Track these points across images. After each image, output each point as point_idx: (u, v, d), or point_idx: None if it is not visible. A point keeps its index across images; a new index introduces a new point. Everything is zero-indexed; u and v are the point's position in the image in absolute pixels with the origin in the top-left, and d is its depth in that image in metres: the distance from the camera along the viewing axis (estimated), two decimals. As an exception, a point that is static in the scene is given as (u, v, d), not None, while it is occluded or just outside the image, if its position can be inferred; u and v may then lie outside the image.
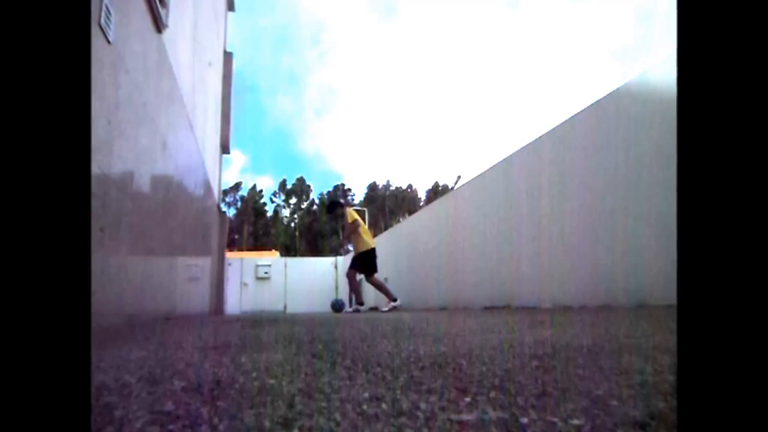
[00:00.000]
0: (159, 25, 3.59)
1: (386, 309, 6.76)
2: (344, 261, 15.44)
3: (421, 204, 56.04)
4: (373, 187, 64.19)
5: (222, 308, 10.84)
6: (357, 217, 7.19)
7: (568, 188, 4.42)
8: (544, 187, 4.79)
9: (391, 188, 63.45)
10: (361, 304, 7.21)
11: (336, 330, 2.31)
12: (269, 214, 60.86)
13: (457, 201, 6.99)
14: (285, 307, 14.84)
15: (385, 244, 9.60)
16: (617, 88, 3.90)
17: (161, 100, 3.80)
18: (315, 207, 60.02)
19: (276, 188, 63.14)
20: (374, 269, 7.13)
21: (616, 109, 3.88)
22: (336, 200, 7.89)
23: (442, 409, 0.71)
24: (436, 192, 55.90)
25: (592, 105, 4.17)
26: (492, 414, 0.67)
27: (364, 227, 7.24)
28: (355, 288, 7.35)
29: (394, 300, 6.90)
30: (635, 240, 3.57)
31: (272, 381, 0.94)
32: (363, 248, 7.14)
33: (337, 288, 15.46)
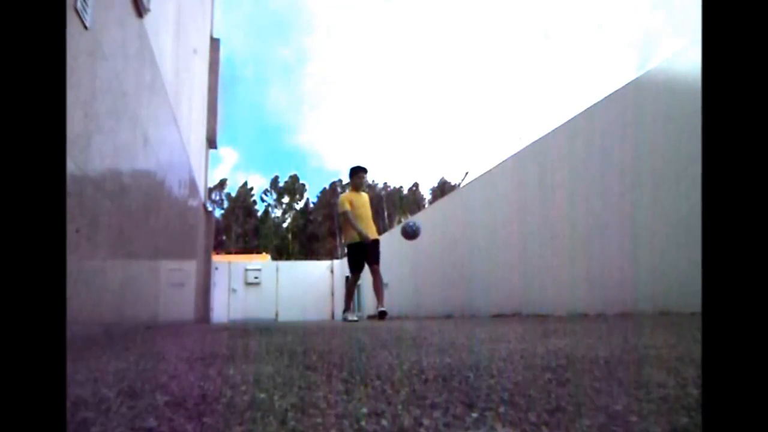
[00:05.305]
0: (140, 9, 3.59)
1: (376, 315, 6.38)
2: (341, 264, 15.48)
3: (426, 203, 56.08)
4: (370, 186, 64.18)
5: (208, 316, 10.86)
6: (347, 208, 6.39)
7: (583, 186, 4.43)
8: (558, 185, 4.80)
9: (390, 188, 63.40)
10: (345, 310, 6.51)
11: (332, 340, 2.32)
12: (259, 213, 60.89)
13: (464, 200, 7.00)
14: (277, 314, 14.85)
15: (385, 247, 9.58)
16: (637, 78, 3.91)
17: (142, 90, 3.81)
18: (311, 206, 60.02)
19: (267, 186, 63.10)
20: (356, 267, 6.44)
21: (635, 100, 3.88)
22: (355, 168, 6.74)
23: (447, 425, 0.71)
24: (442, 190, 55.93)
25: (609, 96, 4.17)
26: (501, 431, 0.68)
27: (352, 218, 6.38)
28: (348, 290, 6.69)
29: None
30: (656, 242, 3.57)
31: (263, 395, 0.94)
32: (346, 241, 6.55)
33: (333, 294, 15.47)
